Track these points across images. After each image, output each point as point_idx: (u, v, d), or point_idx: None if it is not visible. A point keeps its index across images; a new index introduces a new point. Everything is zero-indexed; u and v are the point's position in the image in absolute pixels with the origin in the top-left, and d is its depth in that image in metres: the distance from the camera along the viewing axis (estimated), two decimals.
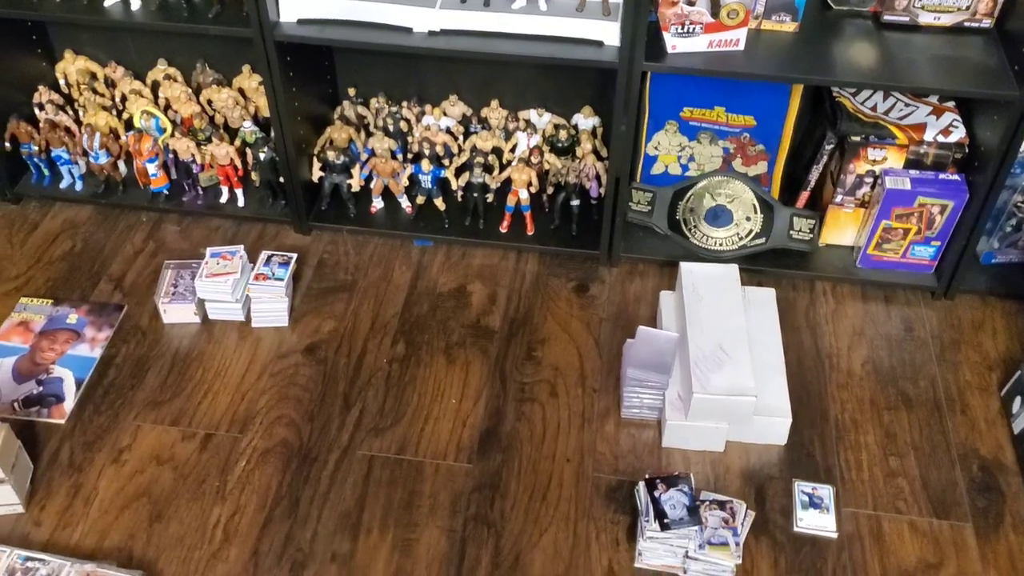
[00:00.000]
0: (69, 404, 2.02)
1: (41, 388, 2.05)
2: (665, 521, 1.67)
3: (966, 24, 1.98)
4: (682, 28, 1.92)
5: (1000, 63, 1.92)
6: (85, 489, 1.87)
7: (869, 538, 1.80)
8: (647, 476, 1.75)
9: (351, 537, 1.80)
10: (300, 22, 2.04)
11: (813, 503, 1.83)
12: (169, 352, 2.13)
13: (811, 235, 2.26)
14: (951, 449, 1.94)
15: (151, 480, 1.89)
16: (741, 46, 1.95)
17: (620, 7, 1.96)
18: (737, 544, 1.70)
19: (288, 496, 1.86)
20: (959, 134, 2.08)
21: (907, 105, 2.14)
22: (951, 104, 2.14)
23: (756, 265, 2.26)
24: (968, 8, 1.96)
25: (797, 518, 1.81)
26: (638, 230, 2.32)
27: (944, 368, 2.10)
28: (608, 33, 1.97)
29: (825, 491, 1.85)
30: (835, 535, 1.79)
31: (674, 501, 1.69)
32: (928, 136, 2.09)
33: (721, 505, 1.76)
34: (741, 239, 2.28)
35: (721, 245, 2.28)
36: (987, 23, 1.98)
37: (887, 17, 1.99)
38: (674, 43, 1.94)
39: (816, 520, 1.81)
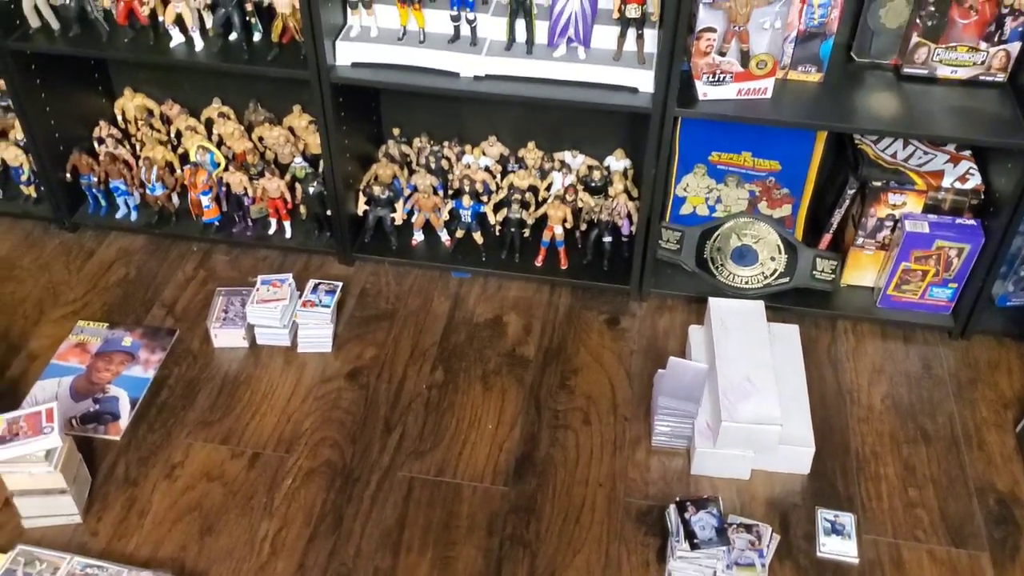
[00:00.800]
0: (124, 421, 2.12)
1: (97, 406, 2.15)
2: (695, 541, 1.75)
3: (981, 78, 2.09)
4: (713, 77, 2.04)
5: (1014, 114, 2.03)
6: (140, 502, 1.97)
7: (889, 564, 1.87)
8: (678, 499, 1.83)
9: (392, 554, 1.88)
10: (354, 65, 2.17)
11: (835, 529, 1.91)
12: (219, 375, 2.23)
13: (833, 275, 2.36)
14: (968, 482, 2.02)
15: (202, 495, 1.98)
16: (768, 94, 2.07)
17: (655, 57, 2.08)
18: (763, 565, 1.78)
19: (332, 513, 1.95)
20: (975, 181, 2.19)
21: (926, 153, 2.25)
22: (967, 153, 2.24)
23: (780, 303, 2.35)
24: (983, 63, 2.07)
25: (820, 543, 1.89)
26: (667, 267, 2.42)
27: (961, 405, 2.18)
28: (643, 80, 2.09)
29: (847, 518, 1.92)
30: (856, 560, 1.87)
31: (703, 522, 1.78)
32: (946, 183, 2.20)
33: (748, 528, 1.84)
34: (766, 278, 2.38)
35: (747, 283, 2.38)
36: (1001, 77, 2.09)
37: (907, 70, 2.11)
38: (705, 91, 2.06)
39: (838, 546, 1.88)
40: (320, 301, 2.26)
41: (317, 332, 2.26)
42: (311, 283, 2.30)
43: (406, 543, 1.90)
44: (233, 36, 2.24)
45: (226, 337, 2.27)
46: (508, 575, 1.85)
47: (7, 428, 1.79)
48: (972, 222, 2.19)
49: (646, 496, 1.98)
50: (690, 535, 1.76)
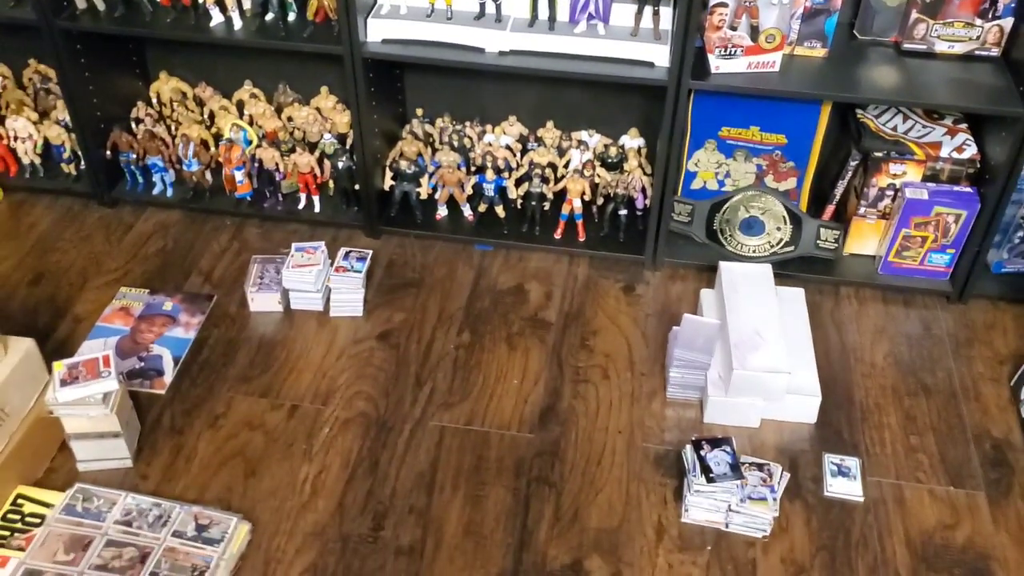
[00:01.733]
0: (168, 377, 2.24)
1: (143, 363, 2.27)
2: (711, 475, 1.87)
3: (977, 52, 2.24)
4: (725, 51, 2.17)
5: (1007, 85, 2.17)
6: (186, 449, 2.08)
7: (892, 503, 1.99)
8: (694, 438, 1.95)
9: (426, 493, 2.00)
10: (384, 42, 2.30)
11: (841, 472, 2.03)
12: (256, 336, 2.35)
13: (836, 244, 2.49)
14: (966, 430, 2.14)
15: (245, 443, 2.10)
16: (777, 68, 2.20)
17: (670, 32, 2.22)
18: (775, 499, 1.90)
19: (368, 458, 2.07)
20: (971, 151, 2.32)
21: (924, 126, 2.39)
22: (963, 126, 2.38)
23: (785, 271, 2.48)
24: (978, 38, 2.21)
25: (827, 484, 2.01)
26: (679, 238, 2.55)
27: (959, 362, 2.31)
28: (659, 55, 2.23)
29: (852, 462, 2.05)
30: (861, 499, 1.99)
31: (718, 459, 1.90)
32: (944, 152, 2.33)
33: (759, 467, 1.96)
34: (772, 247, 2.51)
35: (754, 252, 2.51)
36: (995, 52, 2.23)
37: (907, 45, 2.25)
38: (717, 64, 2.19)
39: (844, 486, 2.01)
40: (352, 267, 2.38)
41: (349, 296, 2.38)
42: (342, 250, 2.43)
43: (439, 484, 2.02)
44: (270, 16, 2.38)
45: (262, 301, 2.40)
46: (536, 511, 1.97)
47: (67, 372, 1.91)
48: (969, 189, 2.32)
49: (662, 442, 2.10)
50: (706, 470, 1.88)
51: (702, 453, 1.91)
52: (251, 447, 2.09)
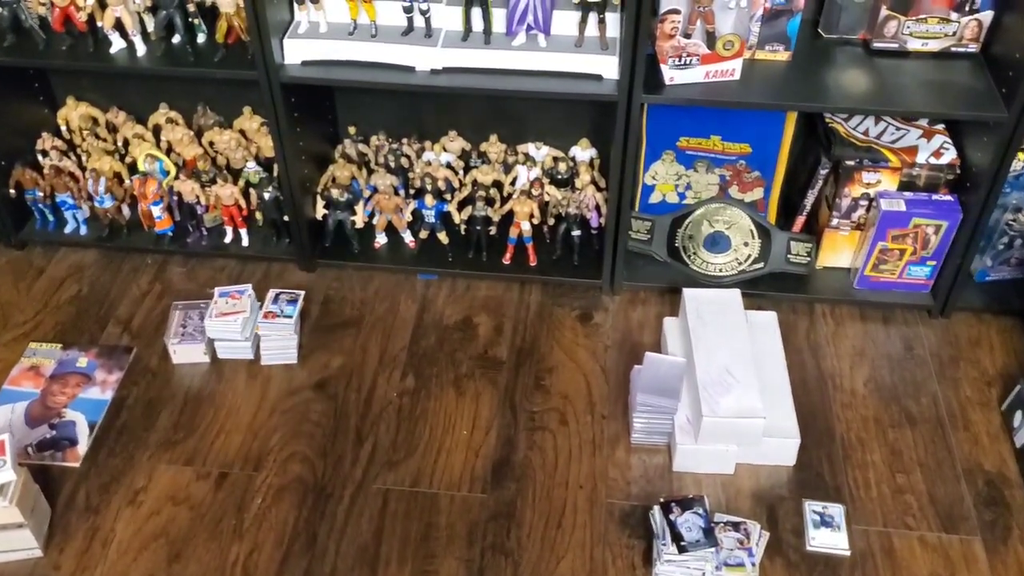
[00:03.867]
0: (83, 447, 2.02)
1: (54, 432, 2.06)
2: (682, 544, 1.69)
3: (953, 49, 2.04)
4: (679, 60, 1.97)
5: (987, 86, 1.98)
6: (103, 531, 1.88)
7: (881, 555, 1.82)
8: (662, 500, 1.77)
9: (370, 571, 1.81)
10: (304, 64, 2.08)
11: (824, 522, 1.86)
12: (180, 392, 2.14)
13: (808, 258, 2.31)
14: (956, 464, 1.98)
15: (168, 520, 1.90)
16: (737, 76, 2.00)
17: (618, 42, 2.01)
18: (753, 564, 1.73)
19: (305, 532, 1.88)
20: (950, 155, 2.14)
21: (898, 129, 2.20)
22: (941, 127, 2.19)
23: (756, 289, 2.30)
24: (955, 34, 2.02)
25: (809, 537, 1.84)
26: (638, 258, 2.36)
27: (944, 385, 2.14)
28: (607, 67, 2.02)
29: (836, 510, 1.88)
30: (848, 553, 1.82)
31: (690, 524, 1.72)
32: (920, 158, 2.15)
33: (735, 526, 1.79)
34: (740, 264, 2.32)
35: (720, 271, 2.32)
36: (973, 48, 2.04)
37: (876, 44, 2.05)
38: (672, 75, 1.99)
39: (828, 539, 1.84)
40: (282, 311, 2.17)
41: (281, 343, 2.17)
42: (272, 293, 2.21)
43: (384, 558, 1.83)
44: (176, 39, 2.15)
45: (185, 353, 2.18)
46: None
47: None
48: (949, 198, 2.14)
49: (628, 496, 1.92)
50: (676, 537, 1.70)
51: (672, 517, 1.73)
52: (175, 526, 1.89)
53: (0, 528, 1.76)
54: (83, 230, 2.48)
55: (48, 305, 2.35)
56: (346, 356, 2.21)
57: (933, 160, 2.15)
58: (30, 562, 1.82)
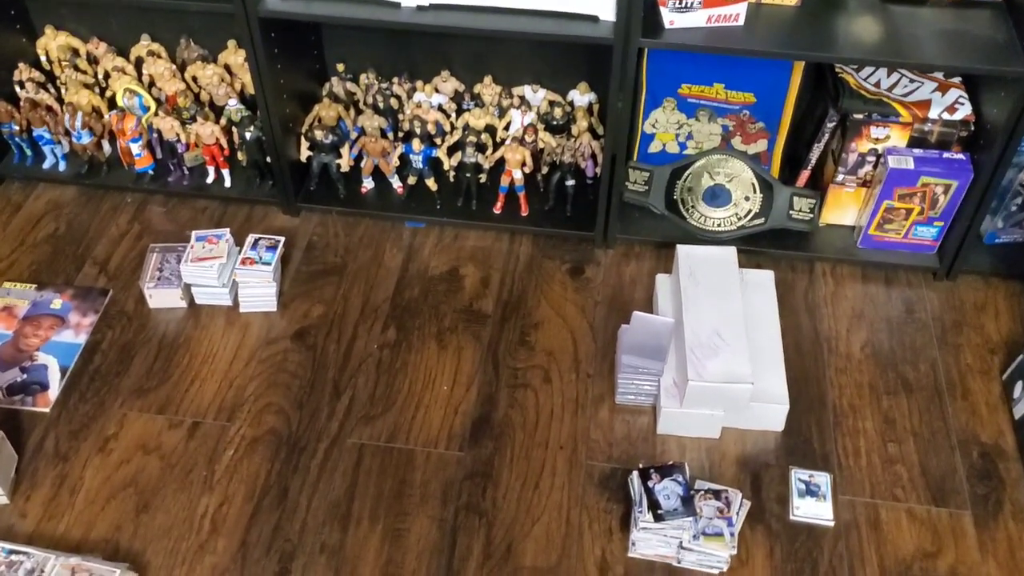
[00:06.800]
0: (54, 392, 1.98)
1: (25, 376, 2.01)
2: (659, 512, 1.63)
3: None
4: (680, 3, 1.85)
5: (1009, 38, 1.86)
6: (71, 479, 1.84)
7: (866, 526, 1.77)
8: (641, 466, 1.71)
9: (341, 527, 1.77)
10: None
11: (810, 491, 1.80)
12: (155, 338, 2.08)
13: (811, 215, 2.21)
14: (951, 435, 1.91)
15: (138, 470, 1.86)
16: (741, 21, 1.89)
17: None
18: (732, 534, 1.67)
19: (277, 485, 1.83)
20: (965, 111, 2.03)
21: (912, 81, 2.08)
22: (957, 80, 2.07)
23: (755, 246, 2.21)
24: None
25: (793, 506, 1.78)
26: (634, 210, 2.27)
27: (945, 351, 2.05)
28: (603, 7, 1.90)
29: (822, 478, 1.81)
30: (832, 523, 1.76)
31: (668, 491, 1.66)
32: (933, 114, 2.03)
33: (716, 495, 1.73)
34: (740, 219, 2.23)
35: (719, 226, 2.23)
36: None
37: None
38: (672, 18, 1.88)
39: (813, 508, 1.78)
40: (261, 258, 2.10)
41: (259, 291, 2.11)
42: (251, 238, 2.14)
43: (355, 515, 1.79)
44: None
45: (162, 297, 2.12)
46: (463, 546, 1.74)
47: None
48: (961, 156, 2.03)
49: (609, 458, 1.86)
50: (654, 505, 1.64)
51: (650, 484, 1.67)
52: (145, 475, 1.85)
53: None
54: (62, 166, 2.40)
55: (24, 243, 2.29)
56: (327, 305, 2.15)
57: (947, 116, 2.03)
58: None
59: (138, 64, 2.39)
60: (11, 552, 1.68)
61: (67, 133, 2.33)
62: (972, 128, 2.03)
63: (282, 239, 2.15)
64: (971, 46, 1.87)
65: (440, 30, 1.96)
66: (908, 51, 1.87)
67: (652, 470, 1.69)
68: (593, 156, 2.24)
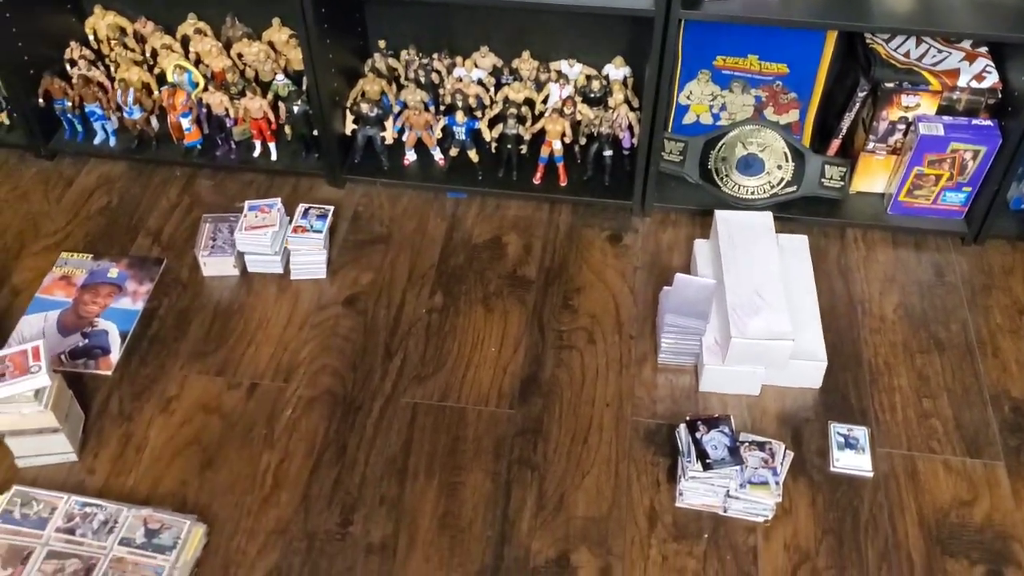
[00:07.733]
0: (115, 355, 2.05)
1: (87, 340, 2.08)
2: (707, 461, 1.71)
3: None
4: None
5: None
6: (136, 438, 1.91)
7: (904, 477, 1.84)
8: (688, 418, 1.78)
9: (398, 481, 1.84)
10: None
11: (849, 444, 1.87)
12: (210, 304, 2.16)
13: (842, 183, 2.28)
14: (983, 390, 1.98)
15: (200, 428, 1.93)
16: None
17: None
18: (777, 483, 1.74)
19: (335, 443, 1.90)
20: (992, 79, 2.09)
21: (940, 51, 2.15)
22: (983, 49, 2.14)
23: (787, 213, 2.27)
24: None
25: (833, 458, 1.85)
26: (670, 180, 2.34)
27: (975, 312, 2.12)
28: None
29: (860, 432, 1.88)
30: (871, 474, 1.83)
31: (715, 442, 1.73)
32: (961, 82, 2.10)
33: (760, 446, 1.80)
34: (772, 187, 2.29)
35: (752, 194, 2.30)
36: None
37: None
38: None
39: (852, 460, 1.85)
40: (312, 226, 2.17)
41: (310, 258, 2.18)
42: (301, 207, 2.21)
43: (412, 470, 1.86)
44: None
45: (215, 265, 2.19)
46: (517, 498, 1.81)
47: None
48: (989, 123, 2.10)
49: (654, 415, 1.94)
50: (702, 455, 1.72)
51: (698, 435, 1.74)
52: (207, 434, 1.92)
53: (36, 432, 1.80)
54: (112, 141, 2.47)
55: (78, 215, 2.36)
56: (375, 272, 2.22)
57: (975, 84, 2.10)
58: (65, 466, 1.86)
59: (184, 42, 2.46)
60: (85, 504, 1.76)
61: (118, 109, 2.40)
62: (999, 96, 2.10)
63: (331, 208, 2.22)
64: (1003, 14, 1.93)
65: (480, 4, 2.02)
66: (941, 19, 1.94)
67: (699, 422, 1.77)
68: (630, 127, 2.31)
